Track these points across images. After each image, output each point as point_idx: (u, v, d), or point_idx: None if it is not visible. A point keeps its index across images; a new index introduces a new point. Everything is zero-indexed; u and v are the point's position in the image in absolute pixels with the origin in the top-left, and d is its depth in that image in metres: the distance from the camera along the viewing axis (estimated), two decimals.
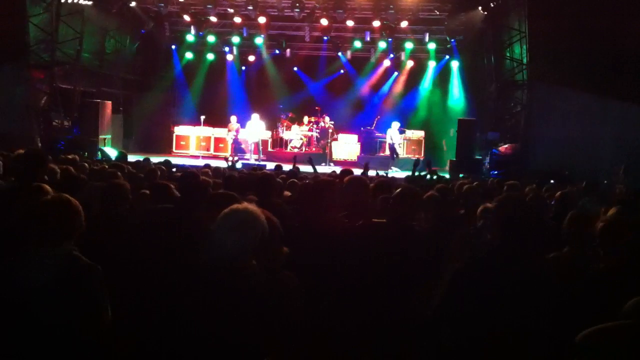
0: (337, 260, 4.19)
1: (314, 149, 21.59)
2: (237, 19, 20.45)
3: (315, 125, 21.91)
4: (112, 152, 17.21)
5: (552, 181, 10.81)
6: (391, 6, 18.41)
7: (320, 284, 4.02)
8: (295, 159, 12.23)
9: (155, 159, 12.68)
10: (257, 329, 2.84)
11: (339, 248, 4.22)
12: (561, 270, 3.87)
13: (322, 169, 16.42)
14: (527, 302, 3.23)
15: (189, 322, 2.84)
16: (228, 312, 2.81)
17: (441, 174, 12.13)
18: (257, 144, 20.04)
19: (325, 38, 21.88)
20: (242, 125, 20.54)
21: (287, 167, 11.51)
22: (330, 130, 21.37)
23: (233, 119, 20.66)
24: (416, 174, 10.38)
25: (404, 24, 19.71)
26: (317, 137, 21.70)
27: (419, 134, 22.04)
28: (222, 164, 13.20)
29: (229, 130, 20.61)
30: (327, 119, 21.61)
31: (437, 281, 3.72)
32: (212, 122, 21.65)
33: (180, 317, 2.87)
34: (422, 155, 21.23)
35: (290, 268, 3.21)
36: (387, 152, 20.36)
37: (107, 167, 9.18)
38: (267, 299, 2.88)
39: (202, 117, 21.17)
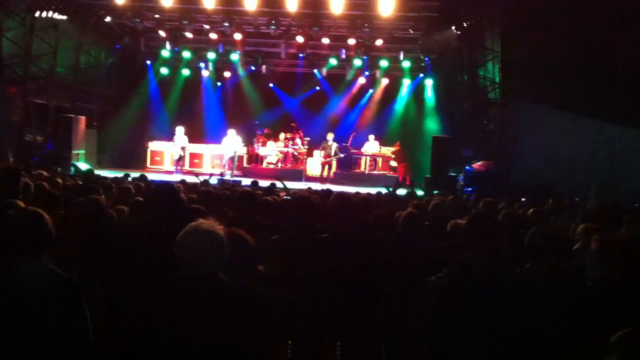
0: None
1: (289, 165, 21.63)
2: (213, 35, 20.48)
3: (291, 142, 21.94)
4: (85, 168, 17.10)
5: (523, 199, 10.91)
6: (366, 25, 18.59)
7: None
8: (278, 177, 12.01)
9: (131, 175, 12.61)
10: (229, 340, 2.89)
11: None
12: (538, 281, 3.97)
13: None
14: (503, 312, 3.33)
15: (167, 332, 2.89)
16: (201, 323, 2.86)
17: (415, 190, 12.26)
18: (232, 159, 20.01)
19: (301, 55, 22.01)
20: (218, 141, 20.56)
21: (263, 183, 11.50)
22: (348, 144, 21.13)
23: (179, 130, 20.25)
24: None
25: (379, 42, 19.92)
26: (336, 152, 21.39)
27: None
28: (197, 179, 13.14)
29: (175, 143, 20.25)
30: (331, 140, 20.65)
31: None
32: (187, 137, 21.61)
33: (159, 327, 2.91)
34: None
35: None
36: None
37: (80, 182, 9.13)
38: (238, 311, 2.93)
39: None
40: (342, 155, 20.58)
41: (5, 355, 3.06)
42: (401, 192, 12.26)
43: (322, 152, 20.37)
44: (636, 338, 2.44)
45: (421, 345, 4.22)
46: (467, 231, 3.67)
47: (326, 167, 20.27)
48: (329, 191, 9.46)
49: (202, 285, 2.92)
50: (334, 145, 20.26)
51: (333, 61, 21.96)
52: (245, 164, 21.59)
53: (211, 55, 22.39)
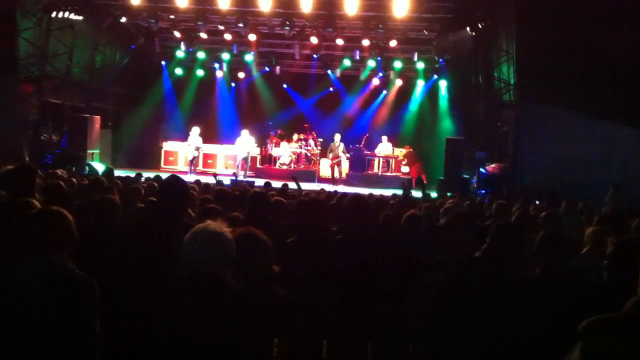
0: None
1: (302, 166, 21.64)
2: (228, 36, 20.52)
3: (304, 143, 21.96)
4: (100, 167, 17.20)
5: (537, 202, 10.84)
6: (380, 25, 18.56)
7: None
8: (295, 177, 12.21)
9: (145, 174, 12.68)
10: (229, 339, 2.90)
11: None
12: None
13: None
14: (505, 309, 3.33)
15: (167, 332, 2.90)
16: (204, 321, 2.87)
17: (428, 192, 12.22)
18: (245, 160, 20.06)
19: (315, 56, 22.01)
20: (231, 141, 20.62)
21: (276, 184, 11.55)
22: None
23: (195, 130, 20.35)
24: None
25: (393, 43, 19.91)
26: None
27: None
28: (212, 180, 13.22)
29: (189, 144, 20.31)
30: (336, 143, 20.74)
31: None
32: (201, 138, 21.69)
33: (159, 327, 2.93)
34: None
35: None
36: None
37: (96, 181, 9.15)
38: (239, 311, 2.94)
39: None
40: (348, 155, 20.59)
41: (12, 353, 3.06)
42: (415, 194, 12.24)
43: (330, 153, 20.40)
44: (599, 327, 2.46)
45: (421, 345, 4.21)
46: (446, 230, 3.71)
47: (336, 168, 20.27)
48: (335, 193, 9.51)
49: (202, 285, 2.93)
50: (341, 146, 20.29)
51: (347, 62, 21.94)
52: (258, 165, 21.65)
53: (225, 55, 22.45)
